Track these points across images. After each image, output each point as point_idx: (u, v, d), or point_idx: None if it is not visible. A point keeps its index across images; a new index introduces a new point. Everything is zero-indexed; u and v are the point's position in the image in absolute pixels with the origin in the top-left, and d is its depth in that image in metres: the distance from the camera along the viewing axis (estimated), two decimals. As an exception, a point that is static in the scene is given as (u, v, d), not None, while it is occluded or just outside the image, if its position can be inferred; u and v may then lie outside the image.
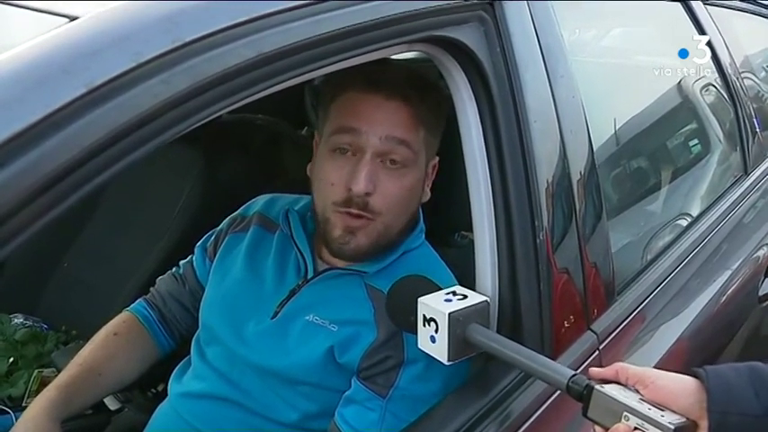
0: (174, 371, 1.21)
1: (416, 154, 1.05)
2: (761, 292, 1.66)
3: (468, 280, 1.03)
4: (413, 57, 1.49)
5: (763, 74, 2.49)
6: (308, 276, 1.11)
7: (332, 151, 1.04)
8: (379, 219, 1.03)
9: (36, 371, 1.48)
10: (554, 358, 1.02)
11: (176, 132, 0.61)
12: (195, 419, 1.12)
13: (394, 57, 1.07)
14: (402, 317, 0.97)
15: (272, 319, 1.09)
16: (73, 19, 0.59)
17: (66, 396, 1.10)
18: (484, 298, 0.94)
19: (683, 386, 0.78)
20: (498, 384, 0.97)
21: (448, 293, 0.94)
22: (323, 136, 1.08)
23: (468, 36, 0.91)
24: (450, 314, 0.89)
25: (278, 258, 1.15)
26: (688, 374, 0.79)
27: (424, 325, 0.92)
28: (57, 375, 1.25)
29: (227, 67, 0.62)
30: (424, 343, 0.93)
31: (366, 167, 1.01)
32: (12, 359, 1.51)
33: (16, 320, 1.63)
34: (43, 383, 1.45)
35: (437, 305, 0.91)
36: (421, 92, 1.04)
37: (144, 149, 0.58)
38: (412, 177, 1.05)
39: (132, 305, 1.27)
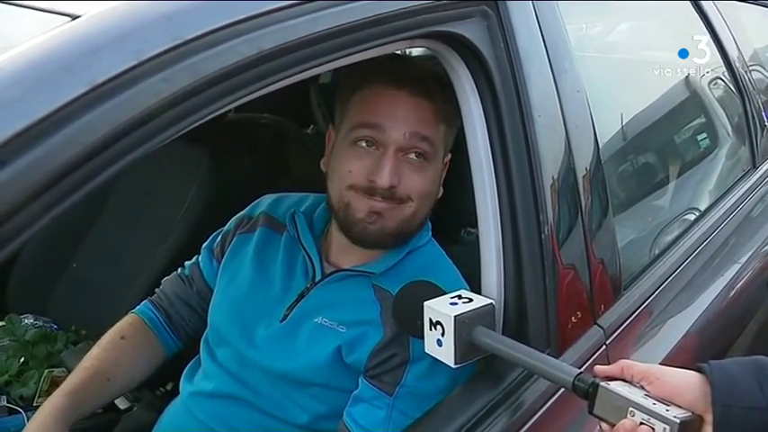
0: (185, 370, 1.22)
1: (437, 149, 1.06)
2: (771, 285, 1.65)
3: (475, 277, 1.03)
4: (418, 54, 1.50)
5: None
6: (316, 279, 1.11)
7: (352, 145, 1.05)
8: (408, 203, 1.04)
9: (46, 371, 1.49)
10: (560, 353, 1.02)
11: (178, 130, 0.61)
12: (208, 418, 1.13)
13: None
14: (409, 322, 0.97)
15: (282, 322, 1.10)
16: (74, 18, 0.60)
17: (75, 402, 1.11)
18: (489, 301, 0.94)
19: (687, 381, 0.78)
20: (507, 377, 0.97)
21: (453, 297, 0.94)
22: (341, 130, 1.08)
23: (470, 31, 0.91)
24: (456, 317, 0.89)
25: (286, 261, 1.15)
26: (692, 369, 0.79)
27: (431, 329, 0.92)
28: (67, 375, 1.26)
29: (228, 65, 0.62)
30: (430, 347, 0.93)
31: (390, 162, 1.01)
32: (22, 359, 1.52)
33: (27, 321, 1.63)
34: (53, 383, 1.45)
35: (443, 308, 0.91)
36: (443, 89, 1.04)
37: (146, 147, 0.58)
38: (433, 171, 1.06)
39: (138, 307, 1.28)
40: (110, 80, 0.55)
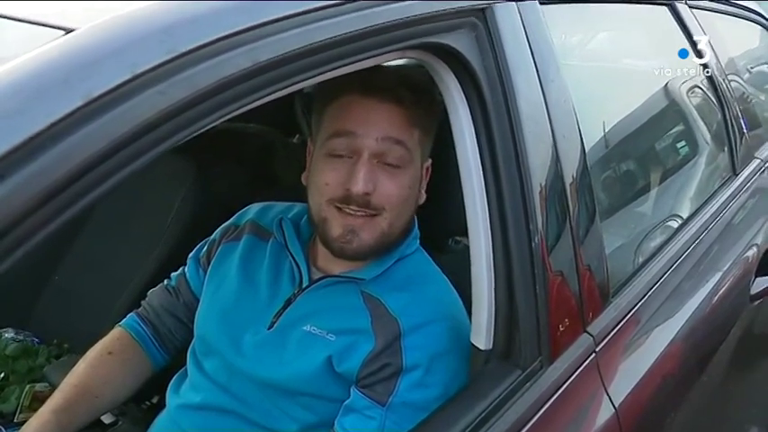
0: (171, 382, 1.21)
1: (412, 154, 1.05)
2: (752, 291, 1.67)
3: (464, 285, 1.03)
4: (405, 62, 1.50)
5: (747, 75, 2.51)
6: (303, 285, 1.11)
7: (327, 156, 1.04)
8: (382, 214, 1.03)
9: (28, 386, 1.46)
10: (552, 361, 1.02)
11: (174, 142, 0.61)
12: (196, 431, 1.11)
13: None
14: None
15: (269, 329, 1.09)
16: (69, 31, 0.59)
17: (63, 420, 1.09)
18: None
19: None
20: (498, 387, 0.97)
21: None
22: (317, 142, 1.08)
23: (459, 42, 0.91)
24: None
25: (272, 267, 1.14)
26: None
27: None
28: (49, 390, 1.24)
29: (224, 77, 0.62)
30: None
31: (364, 168, 1.01)
32: (3, 374, 1.50)
33: (7, 335, 1.61)
34: (35, 398, 1.43)
35: None
36: (414, 94, 1.05)
37: (142, 160, 0.58)
38: (409, 177, 1.06)
39: (124, 320, 1.26)
40: (106, 93, 0.55)
